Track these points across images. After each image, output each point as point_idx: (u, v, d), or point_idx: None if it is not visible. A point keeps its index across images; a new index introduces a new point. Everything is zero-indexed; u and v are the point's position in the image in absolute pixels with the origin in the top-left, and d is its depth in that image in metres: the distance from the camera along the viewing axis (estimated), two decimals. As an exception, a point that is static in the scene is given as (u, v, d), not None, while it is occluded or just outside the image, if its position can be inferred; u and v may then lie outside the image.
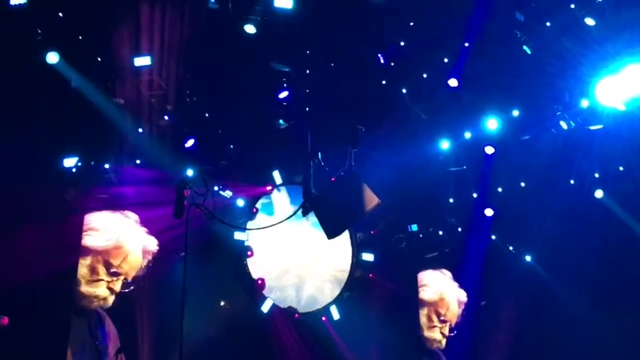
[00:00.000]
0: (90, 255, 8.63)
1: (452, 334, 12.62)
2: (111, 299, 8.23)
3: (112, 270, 7.94)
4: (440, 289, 12.95)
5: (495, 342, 12.62)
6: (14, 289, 7.09)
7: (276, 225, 9.08)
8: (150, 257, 8.28)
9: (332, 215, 8.32)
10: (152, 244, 8.04)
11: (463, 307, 12.31)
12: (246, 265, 11.54)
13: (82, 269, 8.48)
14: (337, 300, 12.30)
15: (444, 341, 12.78)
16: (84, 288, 8.30)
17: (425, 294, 12.93)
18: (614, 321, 12.63)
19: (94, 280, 8.35)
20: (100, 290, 8.19)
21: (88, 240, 8.47)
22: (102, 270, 8.20)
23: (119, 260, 7.97)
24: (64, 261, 8.66)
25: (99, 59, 9.98)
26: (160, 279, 10.11)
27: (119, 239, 7.94)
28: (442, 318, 12.60)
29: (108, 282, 8.06)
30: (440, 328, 12.71)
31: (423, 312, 13.00)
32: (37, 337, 7.57)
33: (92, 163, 10.09)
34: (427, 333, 12.79)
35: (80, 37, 9.82)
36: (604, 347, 12.42)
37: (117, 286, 8.40)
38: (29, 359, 7.40)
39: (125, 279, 8.11)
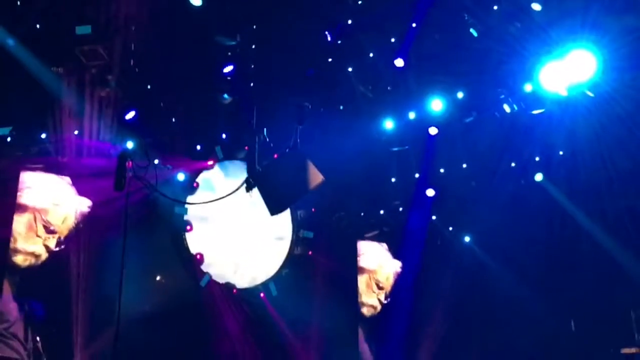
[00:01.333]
0: (27, 212, 8.54)
1: (387, 301, 12.98)
2: (44, 257, 8.16)
3: (48, 228, 7.90)
4: (379, 258, 13.27)
5: (430, 314, 12.82)
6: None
7: (217, 201, 9.01)
8: (81, 218, 8.23)
9: (276, 192, 8.26)
10: (84, 205, 7.98)
11: (396, 277, 12.69)
12: (185, 239, 11.41)
13: (19, 226, 8.38)
14: (275, 277, 12.27)
15: (379, 307, 13.10)
16: (21, 245, 8.23)
17: (364, 262, 13.21)
18: (544, 298, 12.94)
19: (30, 237, 8.29)
20: (36, 247, 8.14)
21: (26, 198, 8.37)
22: (39, 227, 8.15)
23: (54, 218, 7.90)
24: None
25: (37, 25, 9.70)
26: (98, 252, 9.96)
27: (55, 197, 7.87)
28: (380, 285, 12.94)
29: (44, 239, 8.01)
30: (377, 294, 13.06)
31: (362, 279, 13.24)
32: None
33: (28, 132, 9.85)
34: (364, 299, 13.08)
35: (19, 3, 9.54)
36: (533, 321, 12.74)
37: (52, 244, 8.34)
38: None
39: (59, 237, 8.07)
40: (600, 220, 12.83)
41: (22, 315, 8.40)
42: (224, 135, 11.74)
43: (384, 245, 13.61)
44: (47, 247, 7.87)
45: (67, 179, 9.04)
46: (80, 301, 9.96)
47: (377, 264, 13.41)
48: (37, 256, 8.09)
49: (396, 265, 13.35)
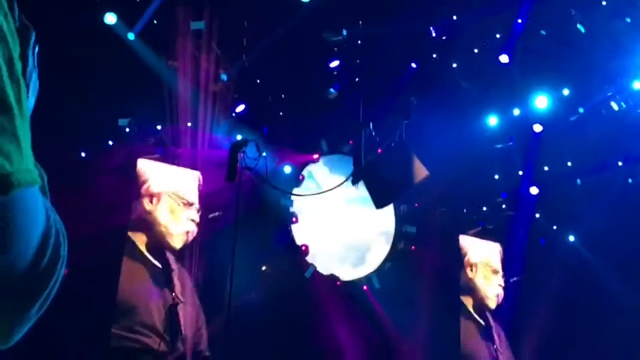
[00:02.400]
0: (163, 197, 9.02)
1: (508, 282, 12.97)
2: (195, 230, 8.69)
3: (187, 202, 8.43)
4: (483, 248, 13.29)
5: (535, 313, 12.70)
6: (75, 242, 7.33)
7: (323, 194, 9.20)
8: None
9: (382, 186, 8.42)
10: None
11: (502, 256, 12.71)
12: (290, 231, 11.67)
13: (163, 214, 8.84)
14: (379, 270, 12.42)
15: (502, 293, 13.05)
16: (173, 229, 8.74)
17: (474, 257, 13.22)
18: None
19: (176, 218, 8.81)
20: (186, 225, 8.66)
21: (156, 185, 8.88)
22: (179, 205, 8.67)
23: (188, 194, 8.43)
24: (117, 217, 8.95)
25: (154, 21, 10.11)
26: (207, 242, 10.33)
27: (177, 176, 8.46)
28: (494, 269, 12.91)
29: (187, 215, 8.55)
30: (496, 280, 13.04)
31: (478, 274, 13.24)
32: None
33: (145, 123, 10.28)
34: (486, 292, 13.09)
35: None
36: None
37: (195, 216, 8.85)
38: (86, 305, 7.69)
39: (197, 207, 8.61)
40: None
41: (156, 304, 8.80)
42: (329, 130, 11.92)
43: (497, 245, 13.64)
44: (193, 220, 8.41)
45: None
46: (189, 289, 10.34)
47: (485, 253, 13.40)
48: (188, 233, 8.66)
49: (498, 247, 13.39)
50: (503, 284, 12.94)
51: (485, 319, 13.01)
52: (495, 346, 12.75)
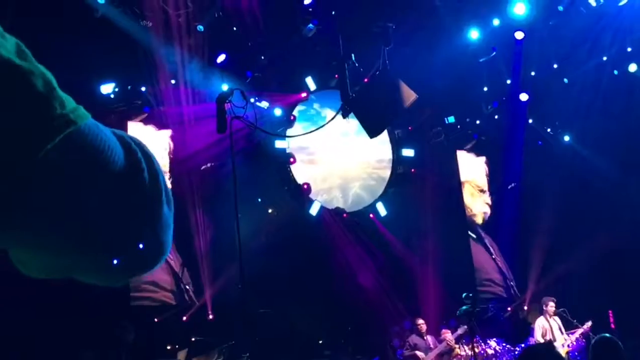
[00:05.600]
0: None
1: (492, 198, 13.27)
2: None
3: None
4: (469, 166, 13.53)
5: (538, 213, 12.87)
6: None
7: (316, 131, 9.23)
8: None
9: (372, 114, 8.42)
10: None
11: (487, 172, 12.97)
12: (290, 171, 11.76)
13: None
14: (382, 197, 12.56)
15: (489, 210, 13.35)
16: None
17: (461, 174, 13.48)
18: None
19: None
20: None
21: None
22: None
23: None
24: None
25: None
26: (211, 192, 10.45)
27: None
28: (481, 188, 13.22)
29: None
30: (482, 198, 13.36)
31: (465, 192, 13.47)
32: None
33: (129, 87, 10.27)
34: (474, 209, 13.38)
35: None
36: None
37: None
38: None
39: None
40: None
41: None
42: (313, 66, 11.90)
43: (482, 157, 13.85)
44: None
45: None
46: (202, 238, 10.53)
47: (472, 172, 13.63)
48: None
49: (482, 161, 13.62)
50: (490, 202, 13.26)
51: (477, 233, 13.37)
52: (493, 256, 13.11)
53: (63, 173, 0.87)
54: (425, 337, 10.78)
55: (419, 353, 10.53)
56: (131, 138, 0.99)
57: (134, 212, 0.95)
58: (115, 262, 0.96)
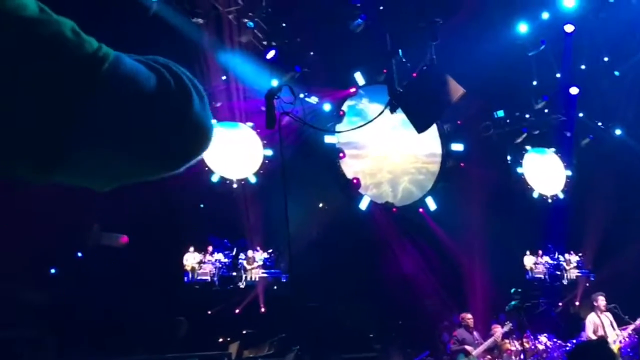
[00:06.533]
0: None
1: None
2: None
3: None
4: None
5: (591, 206, 12.75)
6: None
7: (365, 125, 9.26)
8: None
9: (420, 109, 8.41)
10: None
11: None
12: (340, 166, 11.83)
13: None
14: (432, 191, 12.57)
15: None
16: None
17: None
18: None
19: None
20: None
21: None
22: None
23: None
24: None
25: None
26: (262, 187, 10.59)
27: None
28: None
29: None
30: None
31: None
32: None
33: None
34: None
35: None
36: None
37: None
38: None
39: None
40: None
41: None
42: (361, 62, 11.94)
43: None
44: None
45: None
46: (255, 232, 10.69)
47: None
48: None
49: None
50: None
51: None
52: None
53: (115, 95, 0.97)
54: (472, 332, 10.76)
55: (468, 347, 10.51)
56: (154, 60, 1.08)
57: (171, 110, 1.04)
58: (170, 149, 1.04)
